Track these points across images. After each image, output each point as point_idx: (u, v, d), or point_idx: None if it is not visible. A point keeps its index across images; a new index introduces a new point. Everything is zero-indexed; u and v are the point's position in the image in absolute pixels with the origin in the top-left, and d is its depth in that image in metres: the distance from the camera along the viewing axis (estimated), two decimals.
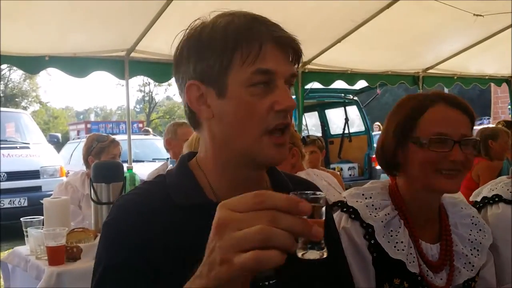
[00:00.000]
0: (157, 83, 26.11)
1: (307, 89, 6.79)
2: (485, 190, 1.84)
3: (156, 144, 10.54)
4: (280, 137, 0.99)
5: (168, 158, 8.88)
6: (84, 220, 3.22)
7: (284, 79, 0.99)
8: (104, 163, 2.99)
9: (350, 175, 9.11)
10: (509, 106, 10.03)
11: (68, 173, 8.28)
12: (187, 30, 1.03)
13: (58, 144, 11.77)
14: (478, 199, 1.83)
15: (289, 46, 1.00)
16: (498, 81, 7.62)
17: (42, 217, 2.83)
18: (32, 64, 4.66)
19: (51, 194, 3.81)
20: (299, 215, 0.64)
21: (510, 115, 8.13)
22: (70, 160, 10.15)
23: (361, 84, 6.87)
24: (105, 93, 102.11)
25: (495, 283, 1.61)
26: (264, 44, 0.97)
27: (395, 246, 1.43)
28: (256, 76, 0.96)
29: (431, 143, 1.40)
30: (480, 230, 1.57)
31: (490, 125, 5.19)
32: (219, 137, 1.02)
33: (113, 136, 3.68)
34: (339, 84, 6.64)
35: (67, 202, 2.83)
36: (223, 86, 0.98)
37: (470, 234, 1.55)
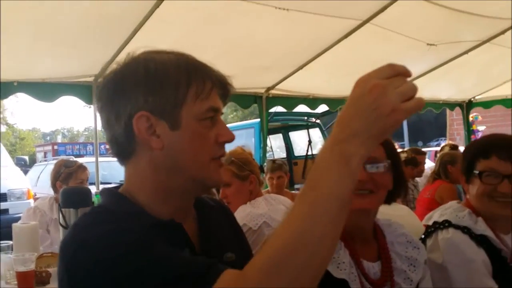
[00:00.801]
0: None
1: (272, 112, 7.00)
2: (436, 215, 1.96)
3: None
4: (220, 161, 1.12)
5: None
6: (53, 244, 3.28)
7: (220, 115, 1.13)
8: (72, 188, 3.08)
9: None
10: (464, 131, 10.50)
11: (36, 195, 8.23)
12: (120, 64, 1.09)
13: (25, 166, 11.63)
14: (430, 223, 1.94)
15: (226, 88, 1.13)
16: (452, 105, 7.97)
17: (11, 242, 2.88)
18: (0, 90, 4.72)
19: (18, 217, 3.85)
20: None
21: (465, 137, 8.51)
22: (37, 182, 10.03)
23: (323, 108, 7.11)
24: (72, 115, 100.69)
25: None
26: (214, 84, 1.09)
27: (338, 267, 1.51)
28: (209, 112, 1.08)
29: None
30: (414, 247, 1.68)
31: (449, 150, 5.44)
32: (164, 166, 1.07)
33: (81, 159, 3.73)
34: (302, 108, 6.86)
35: (36, 227, 2.91)
36: (177, 119, 1.05)
37: (406, 252, 1.66)
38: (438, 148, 10.72)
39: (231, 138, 1.12)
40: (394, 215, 2.45)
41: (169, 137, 1.06)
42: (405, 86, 0.84)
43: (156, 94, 1.05)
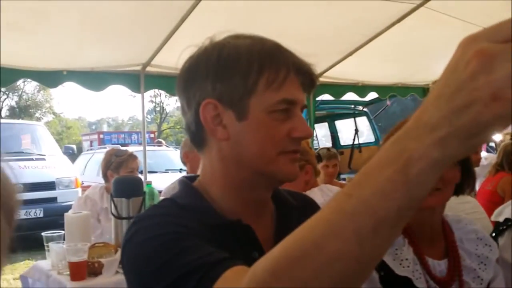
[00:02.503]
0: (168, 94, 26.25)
1: (318, 100, 6.85)
2: (507, 211, 1.89)
3: (169, 155, 10.62)
4: (294, 154, 1.02)
5: (180, 169, 8.98)
6: (103, 234, 3.28)
7: (300, 108, 1.02)
8: (124, 178, 3.06)
9: None
10: None
11: (83, 184, 8.39)
12: (200, 48, 1.03)
13: (73, 155, 11.91)
14: (501, 219, 1.88)
15: (307, 77, 1.02)
16: None
17: (63, 232, 2.88)
18: (50, 79, 4.76)
19: (66, 205, 3.88)
20: None
21: None
22: (85, 171, 10.26)
23: (372, 95, 6.92)
24: (117, 104, 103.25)
25: None
26: (290, 72, 0.98)
27: (400, 264, 1.48)
28: (281, 104, 0.98)
29: None
30: (486, 244, 1.61)
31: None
32: (231, 158, 1.01)
33: (129, 148, 3.72)
34: (350, 95, 6.69)
35: (88, 217, 2.90)
36: (245, 109, 0.98)
37: (476, 249, 1.58)
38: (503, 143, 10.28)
39: (307, 134, 1.02)
40: (458, 209, 2.33)
41: (234, 127, 0.99)
42: None
43: (224, 81, 0.98)
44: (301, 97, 1.01)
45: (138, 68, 5.07)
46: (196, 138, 1.05)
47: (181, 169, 8.90)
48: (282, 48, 1.01)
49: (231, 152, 1.01)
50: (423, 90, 6.84)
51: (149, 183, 3.09)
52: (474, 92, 0.53)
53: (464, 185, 1.62)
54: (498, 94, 0.52)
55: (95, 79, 4.92)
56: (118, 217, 2.74)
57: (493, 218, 1.94)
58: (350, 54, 5.56)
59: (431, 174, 0.57)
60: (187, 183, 1.09)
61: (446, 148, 0.55)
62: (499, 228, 1.83)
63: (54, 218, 6.62)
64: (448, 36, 5.46)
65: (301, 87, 1.02)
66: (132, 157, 3.64)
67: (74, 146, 12.97)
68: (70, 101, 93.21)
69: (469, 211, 2.43)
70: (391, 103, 9.80)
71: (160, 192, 3.56)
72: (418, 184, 0.57)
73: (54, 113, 33.89)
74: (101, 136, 18.07)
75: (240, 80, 0.97)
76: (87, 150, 13.81)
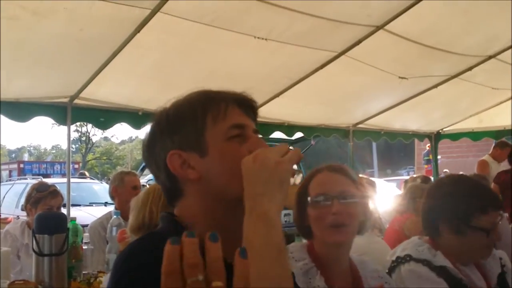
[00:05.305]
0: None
1: None
2: (399, 250, 2.06)
3: (93, 188, 10.35)
4: None
5: (106, 203, 8.77)
6: (23, 270, 3.18)
7: (252, 131, 1.15)
8: (47, 214, 3.01)
9: (285, 221, 9.28)
10: (425, 158, 10.77)
11: (0, 216, 7.98)
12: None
13: None
14: (394, 258, 2.04)
15: (246, 103, 1.16)
16: (421, 136, 8.18)
17: None
18: None
19: None
20: None
21: (433, 167, 8.71)
22: (2, 203, 9.74)
23: (299, 135, 7.21)
24: (39, 132, 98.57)
25: None
26: (229, 104, 1.13)
27: None
28: (232, 130, 1.11)
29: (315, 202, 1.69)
30: (385, 282, 1.82)
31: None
32: (208, 195, 1.09)
33: (49, 179, 3.58)
34: (277, 134, 6.93)
35: (8, 253, 2.83)
36: (203, 146, 1.10)
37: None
38: (407, 177, 10.89)
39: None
40: (370, 247, 2.57)
41: (201, 165, 1.10)
42: (277, 147, 1.06)
43: (178, 132, 1.12)
44: (247, 122, 1.15)
45: (66, 100, 5.03)
46: (172, 191, 1.13)
47: (106, 203, 8.70)
48: (219, 90, 1.17)
49: (207, 190, 1.09)
50: (345, 132, 7.23)
51: (73, 219, 3.06)
52: (265, 166, 1.02)
53: (366, 222, 1.83)
54: (277, 160, 1.03)
55: (20, 110, 4.80)
56: (40, 254, 2.70)
57: (388, 257, 2.09)
58: (277, 95, 5.81)
59: (278, 214, 1.02)
60: (171, 219, 1.13)
61: (276, 199, 1.02)
62: (392, 265, 2.02)
63: None
64: (365, 82, 5.90)
65: (245, 114, 1.15)
66: (52, 194, 3.50)
67: None
68: None
69: (366, 243, 2.63)
70: (316, 142, 10.17)
71: (84, 226, 3.52)
72: (278, 222, 1.02)
73: None
74: (21, 165, 17.21)
75: (191, 125, 1.11)
76: (6, 181, 13.14)
